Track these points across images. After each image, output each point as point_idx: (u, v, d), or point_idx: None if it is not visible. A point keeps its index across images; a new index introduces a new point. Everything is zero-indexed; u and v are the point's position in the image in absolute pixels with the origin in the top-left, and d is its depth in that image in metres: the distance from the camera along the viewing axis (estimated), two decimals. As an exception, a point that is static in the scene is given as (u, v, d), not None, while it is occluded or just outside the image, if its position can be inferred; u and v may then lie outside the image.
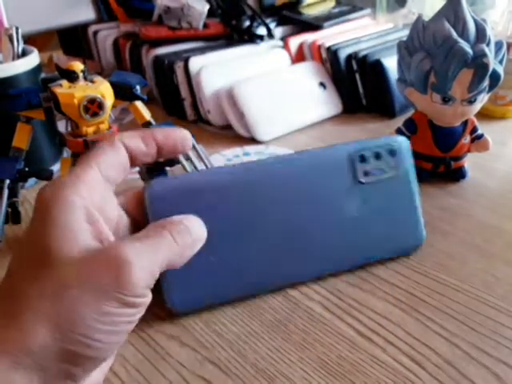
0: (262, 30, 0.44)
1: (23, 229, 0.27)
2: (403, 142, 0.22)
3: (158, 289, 0.18)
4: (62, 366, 0.13)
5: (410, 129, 0.29)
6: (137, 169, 0.27)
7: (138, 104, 0.27)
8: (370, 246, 0.22)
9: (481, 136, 0.29)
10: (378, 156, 0.22)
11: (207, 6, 0.45)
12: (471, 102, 0.27)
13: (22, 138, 0.26)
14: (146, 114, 0.28)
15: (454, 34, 0.25)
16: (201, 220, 0.17)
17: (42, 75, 0.32)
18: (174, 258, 0.15)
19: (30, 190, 0.32)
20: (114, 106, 0.25)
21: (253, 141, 0.37)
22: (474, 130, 0.29)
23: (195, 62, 0.39)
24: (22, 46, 0.33)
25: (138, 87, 0.26)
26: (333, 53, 0.41)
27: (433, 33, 0.26)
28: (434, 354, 0.18)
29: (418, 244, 0.23)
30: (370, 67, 0.40)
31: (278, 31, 0.46)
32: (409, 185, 0.22)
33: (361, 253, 0.22)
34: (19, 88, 0.29)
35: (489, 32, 0.26)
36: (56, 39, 0.58)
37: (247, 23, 0.44)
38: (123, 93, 0.26)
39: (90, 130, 0.24)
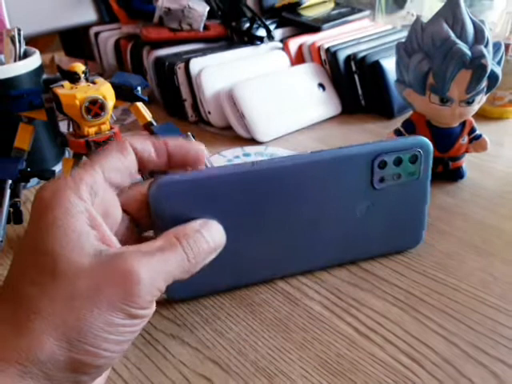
0: (261, 32, 0.45)
1: (25, 229, 0.27)
2: (426, 147, 0.21)
3: None
4: (68, 375, 0.13)
5: (408, 129, 0.30)
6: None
7: (139, 105, 0.28)
8: (371, 242, 0.22)
9: (479, 136, 0.29)
10: (398, 162, 0.21)
11: (207, 8, 0.45)
12: (469, 102, 0.27)
13: (23, 139, 0.26)
14: (147, 115, 0.28)
15: (453, 36, 0.26)
16: (220, 226, 0.17)
17: (44, 76, 0.33)
18: (183, 274, 0.15)
19: (32, 190, 0.32)
20: (115, 107, 0.25)
21: (253, 141, 0.38)
22: (472, 130, 0.29)
23: (196, 64, 0.40)
24: (23, 47, 0.33)
25: (139, 88, 0.26)
26: (332, 54, 0.41)
27: (431, 34, 0.26)
28: (433, 353, 0.18)
29: (417, 242, 0.23)
30: (369, 68, 0.40)
31: (278, 33, 0.47)
32: (422, 189, 0.22)
33: (361, 249, 0.22)
34: (21, 89, 0.29)
35: (487, 33, 0.26)
36: (58, 40, 0.58)
37: (247, 25, 0.45)
38: (124, 94, 0.26)
39: (92, 130, 0.24)
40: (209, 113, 0.40)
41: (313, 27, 0.46)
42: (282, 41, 0.46)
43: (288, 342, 0.19)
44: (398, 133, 0.30)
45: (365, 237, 0.22)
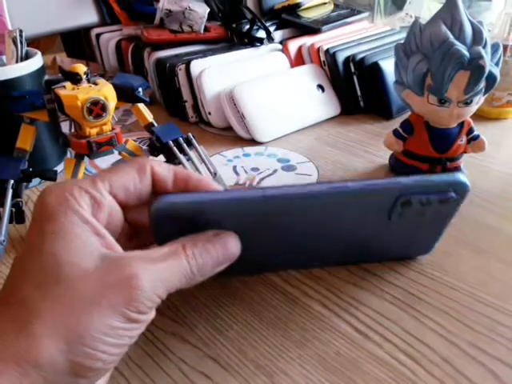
0: (261, 34, 0.45)
1: (27, 228, 0.28)
2: (463, 190, 0.18)
3: None
4: (66, 379, 0.13)
5: (406, 130, 0.30)
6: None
7: (141, 106, 0.28)
8: (382, 256, 0.22)
9: (477, 137, 0.29)
10: (425, 203, 0.18)
11: (208, 10, 0.46)
12: (467, 103, 0.27)
13: (25, 139, 0.26)
14: (149, 116, 0.28)
15: (451, 37, 0.26)
16: (236, 237, 0.17)
17: (46, 77, 0.33)
18: (185, 283, 0.16)
19: (34, 190, 0.32)
20: (116, 108, 0.25)
21: (253, 142, 0.38)
22: (471, 131, 0.29)
23: (196, 65, 0.40)
24: (25, 48, 0.33)
25: (140, 89, 0.26)
26: (331, 55, 0.42)
27: (430, 35, 0.26)
28: (431, 351, 0.18)
29: (428, 252, 0.23)
30: (368, 69, 0.41)
31: (278, 34, 0.47)
32: (446, 220, 0.19)
33: (371, 257, 0.22)
34: (23, 90, 0.29)
35: (485, 34, 0.26)
36: (59, 42, 0.58)
37: (247, 27, 0.45)
38: (126, 95, 0.26)
39: (94, 131, 0.25)
40: (209, 114, 0.40)
41: (312, 29, 0.46)
42: (281, 42, 0.46)
43: (287, 341, 0.19)
44: (396, 133, 0.30)
45: (375, 251, 0.22)
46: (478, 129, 0.30)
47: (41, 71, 0.32)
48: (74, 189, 0.15)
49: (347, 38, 0.45)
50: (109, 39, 0.50)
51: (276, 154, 0.36)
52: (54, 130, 0.27)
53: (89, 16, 0.51)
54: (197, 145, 0.29)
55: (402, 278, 0.22)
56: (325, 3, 0.51)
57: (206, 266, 0.16)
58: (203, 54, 0.42)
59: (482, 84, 0.27)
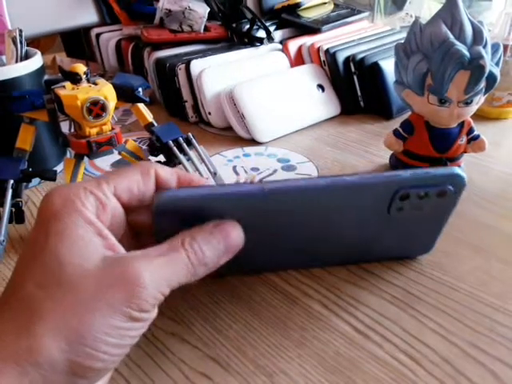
0: (261, 33, 0.45)
1: (27, 228, 0.28)
2: (460, 183, 0.18)
3: None
4: (66, 379, 0.13)
5: (406, 130, 0.30)
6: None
7: (141, 106, 0.28)
8: (381, 254, 0.22)
9: (477, 137, 0.29)
10: (423, 196, 0.18)
11: (208, 10, 0.46)
12: (467, 103, 0.27)
13: (25, 139, 0.26)
14: (148, 116, 0.28)
15: (451, 37, 0.26)
16: (238, 226, 0.17)
17: (45, 77, 0.33)
18: (188, 278, 0.16)
19: (34, 190, 0.32)
20: (116, 108, 0.25)
21: (253, 142, 0.38)
22: (471, 131, 0.29)
23: (196, 65, 0.40)
24: (25, 48, 0.33)
25: (140, 89, 0.26)
26: (331, 55, 0.42)
27: (430, 35, 0.26)
28: (431, 351, 0.18)
29: (428, 251, 0.23)
30: (368, 69, 0.41)
31: (278, 34, 0.47)
32: (445, 214, 0.20)
33: (371, 256, 0.22)
34: (23, 90, 0.29)
35: (485, 34, 0.26)
36: (59, 41, 0.58)
37: (247, 26, 0.45)
38: (126, 95, 0.26)
39: (93, 131, 0.25)
40: (209, 113, 0.40)
41: (312, 28, 0.46)
42: (281, 42, 0.46)
43: (287, 340, 0.19)
44: (396, 133, 0.30)
45: (375, 250, 0.22)
46: (479, 129, 0.30)
47: (40, 71, 0.32)
48: (80, 190, 0.15)
49: (347, 37, 0.45)
50: (109, 39, 0.50)
51: (276, 154, 0.36)
52: (53, 130, 0.27)
53: (89, 16, 0.51)
54: (197, 145, 0.29)
55: (402, 278, 0.22)
56: (325, 3, 0.51)
57: (207, 258, 0.16)
58: (203, 53, 0.42)
59: (483, 84, 0.27)
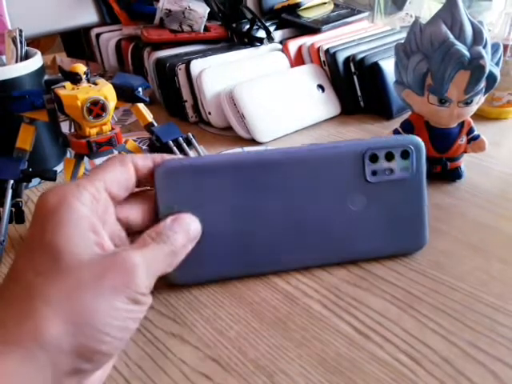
0: (261, 33, 0.45)
1: (27, 228, 0.28)
2: (418, 144, 0.22)
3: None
4: (71, 361, 0.13)
5: (406, 130, 0.30)
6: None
7: (140, 106, 0.28)
8: (371, 241, 0.22)
9: (477, 137, 0.29)
10: (389, 157, 0.21)
11: (208, 10, 0.46)
12: (468, 103, 0.27)
13: (25, 139, 0.26)
14: (148, 116, 0.28)
15: (451, 37, 0.26)
16: (194, 217, 0.19)
17: (45, 77, 0.33)
18: (166, 265, 0.17)
19: (34, 190, 0.32)
20: (116, 108, 0.25)
21: (253, 142, 0.38)
22: (471, 131, 0.29)
23: (196, 65, 0.40)
24: (25, 48, 0.33)
25: (140, 89, 0.26)
26: (331, 55, 0.42)
27: (430, 35, 0.26)
28: (432, 352, 0.18)
29: (422, 245, 0.23)
30: (368, 69, 0.41)
31: (278, 34, 0.47)
32: (418, 187, 0.22)
33: (362, 247, 0.23)
34: (23, 90, 0.29)
35: (485, 34, 0.26)
36: (59, 41, 0.58)
37: (247, 26, 0.45)
38: (126, 95, 0.26)
39: (93, 131, 0.25)
40: (209, 113, 0.40)
41: (312, 28, 0.46)
42: (281, 42, 0.46)
43: (287, 341, 0.19)
44: (396, 133, 0.30)
45: (364, 235, 0.22)
46: (479, 129, 0.30)
47: (40, 71, 0.32)
48: (74, 187, 0.16)
49: (347, 37, 0.45)
50: (109, 39, 0.50)
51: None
52: (53, 130, 0.27)
53: (89, 16, 0.51)
54: (197, 145, 0.29)
55: (402, 278, 0.22)
56: (325, 3, 0.51)
57: (177, 247, 0.17)
58: (203, 53, 0.42)
59: (483, 84, 0.27)
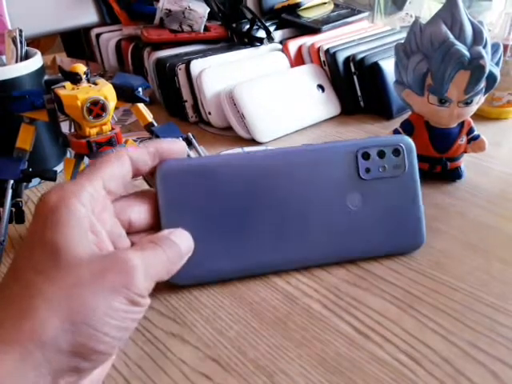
0: (261, 33, 0.45)
1: (27, 228, 0.28)
2: (408, 143, 0.22)
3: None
4: (69, 359, 0.13)
5: (406, 130, 0.30)
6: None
7: (140, 106, 0.28)
8: (369, 240, 0.23)
9: (477, 137, 0.29)
10: (381, 154, 0.22)
11: (208, 10, 0.46)
12: (468, 103, 0.27)
13: (25, 139, 0.26)
14: (148, 116, 0.28)
15: (451, 37, 0.26)
16: (187, 232, 0.19)
17: (45, 77, 0.33)
18: (164, 271, 0.17)
19: (34, 190, 0.32)
20: (116, 108, 0.25)
21: (253, 142, 0.38)
22: (471, 131, 0.29)
23: (196, 65, 0.40)
24: (25, 48, 0.33)
25: (140, 89, 0.26)
26: (331, 55, 0.42)
27: (430, 35, 0.26)
28: (432, 352, 0.18)
29: (419, 244, 0.23)
30: (368, 69, 0.41)
31: (278, 34, 0.47)
32: (411, 185, 0.23)
33: (360, 246, 0.23)
34: (23, 90, 0.29)
35: (485, 34, 0.26)
36: (59, 41, 0.58)
37: (247, 26, 0.45)
38: (126, 95, 0.26)
39: (93, 131, 0.25)
40: (209, 113, 0.40)
41: (312, 28, 0.46)
42: (281, 42, 0.46)
43: (287, 341, 0.19)
44: (396, 133, 0.30)
45: (362, 233, 0.22)
46: (479, 129, 0.30)
47: (40, 71, 0.32)
48: (74, 187, 0.16)
49: (347, 37, 0.45)
50: (109, 39, 0.50)
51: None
52: (53, 130, 0.27)
53: (89, 16, 0.51)
54: (197, 145, 0.29)
55: (402, 278, 0.22)
56: (325, 3, 0.51)
57: (175, 256, 0.18)
58: (203, 53, 0.42)
59: (483, 84, 0.27)
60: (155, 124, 0.29)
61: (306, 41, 0.45)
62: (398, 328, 0.20)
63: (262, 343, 0.19)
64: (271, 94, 0.39)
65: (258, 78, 0.40)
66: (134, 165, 0.18)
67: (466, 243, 0.25)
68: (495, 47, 0.27)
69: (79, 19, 0.51)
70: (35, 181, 0.32)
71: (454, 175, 0.31)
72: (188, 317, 0.21)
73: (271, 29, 0.46)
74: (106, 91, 0.24)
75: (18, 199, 0.26)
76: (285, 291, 0.22)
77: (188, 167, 0.20)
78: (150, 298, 0.16)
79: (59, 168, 0.34)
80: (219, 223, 0.21)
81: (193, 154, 0.29)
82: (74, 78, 0.24)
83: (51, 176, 0.26)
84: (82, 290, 0.14)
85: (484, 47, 0.26)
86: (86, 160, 0.26)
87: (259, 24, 0.44)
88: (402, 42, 0.29)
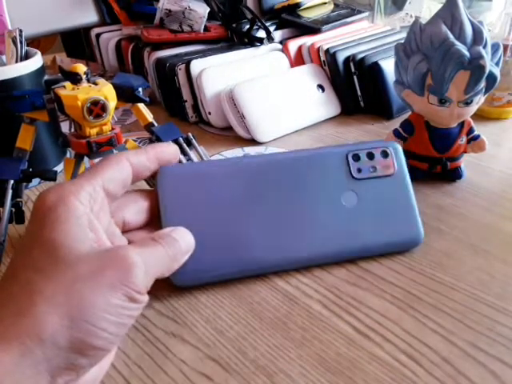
0: (261, 33, 0.45)
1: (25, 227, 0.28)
2: (396, 146, 0.24)
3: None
4: (67, 356, 0.14)
5: (406, 130, 0.30)
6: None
7: (141, 106, 0.28)
8: (366, 237, 0.23)
9: (477, 137, 0.29)
10: (370, 156, 0.24)
11: (208, 10, 0.46)
12: (468, 103, 0.27)
13: (25, 139, 0.26)
14: (148, 116, 0.28)
15: (451, 37, 0.26)
16: (188, 231, 0.19)
17: (46, 77, 0.33)
18: (165, 268, 0.17)
19: (34, 190, 0.32)
20: (116, 108, 0.25)
21: (253, 142, 0.38)
22: (471, 131, 0.29)
23: (196, 65, 0.40)
24: (25, 48, 0.33)
25: (140, 89, 0.26)
26: (331, 55, 0.42)
27: (430, 35, 0.26)
28: (431, 352, 0.18)
29: (416, 242, 0.24)
30: (368, 69, 0.41)
31: (278, 34, 0.47)
32: (402, 184, 0.24)
33: (357, 243, 0.23)
34: (23, 90, 0.29)
35: (485, 34, 0.26)
36: (59, 41, 0.58)
37: (247, 26, 0.45)
38: (126, 95, 0.26)
39: (93, 131, 0.24)
40: (209, 113, 0.40)
41: (312, 28, 0.46)
42: (281, 42, 0.46)
43: (287, 341, 0.19)
44: (396, 133, 0.30)
45: (359, 231, 0.23)
46: (479, 129, 0.30)
47: (40, 71, 0.32)
48: (73, 186, 0.16)
49: (347, 37, 0.45)
50: (109, 39, 0.50)
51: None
52: (53, 130, 0.27)
53: (89, 16, 0.51)
54: (197, 145, 0.29)
55: (402, 278, 0.22)
56: (325, 3, 0.51)
57: (177, 253, 0.18)
58: (203, 53, 0.42)
59: (483, 84, 0.27)
60: (155, 124, 0.29)
61: (306, 41, 0.45)
62: (398, 328, 0.20)
63: (262, 343, 0.19)
64: (271, 93, 0.39)
65: (258, 77, 0.40)
66: (135, 170, 0.18)
67: (466, 243, 0.25)
68: (495, 47, 0.27)
69: (79, 19, 0.51)
70: (35, 181, 0.32)
71: (454, 175, 0.31)
72: (188, 317, 0.21)
73: (271, 29, 0.46)
74: (106, 91, 0.24)
75: (18, 199, 0.26)
76: (285, 291, 0.22)
77: (189, 171, 0.21)
78: (149, 297, 0.16)
79: (59, 168, 0.34)
80: (219, 225, 0.21)
81: (193, 154, 0.29)
82: (74, 78, 0.24)
83: (51, 176, 0.26)
84: (81, 284, 0.14)
85: (484, 47, 0.26)
86: (86, 160, 0.26)
87: (259, 24, 0.44)
88: (402, 42, 0.29)
